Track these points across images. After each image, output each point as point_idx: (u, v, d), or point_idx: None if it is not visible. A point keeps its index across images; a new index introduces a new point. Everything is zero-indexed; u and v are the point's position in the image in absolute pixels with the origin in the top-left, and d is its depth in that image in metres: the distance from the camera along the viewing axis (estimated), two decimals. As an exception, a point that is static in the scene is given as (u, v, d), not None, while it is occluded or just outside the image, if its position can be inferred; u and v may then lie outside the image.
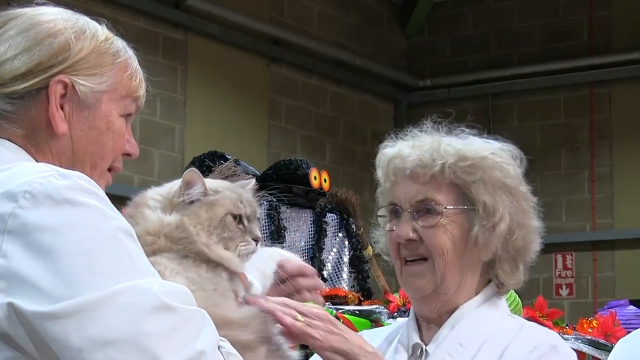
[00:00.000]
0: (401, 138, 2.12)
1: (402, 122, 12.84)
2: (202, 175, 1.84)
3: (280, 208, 4.02)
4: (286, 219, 4.03)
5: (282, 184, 4.14)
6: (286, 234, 4.00)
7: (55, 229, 1.56)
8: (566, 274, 11.59)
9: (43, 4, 1.85)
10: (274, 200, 4.02)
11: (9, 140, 1.74)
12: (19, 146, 1.75)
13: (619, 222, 11.85)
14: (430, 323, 2.09)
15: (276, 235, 3.92)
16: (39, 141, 1.76)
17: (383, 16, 13.08)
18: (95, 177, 1.75)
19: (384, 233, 2.15)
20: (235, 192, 1.93)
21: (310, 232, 4.13)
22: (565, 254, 11.40)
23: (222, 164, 4.01)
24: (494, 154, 2.04)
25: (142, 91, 1.86)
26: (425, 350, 2.05)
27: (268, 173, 4.27)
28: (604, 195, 11.87)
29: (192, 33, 9.92)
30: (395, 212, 2.06)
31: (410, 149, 2.03)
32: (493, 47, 12.64)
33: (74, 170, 1.70)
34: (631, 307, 5.97)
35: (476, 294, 2.06)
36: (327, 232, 4.14)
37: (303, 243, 4.10)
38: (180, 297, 1.57)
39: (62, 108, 1.74)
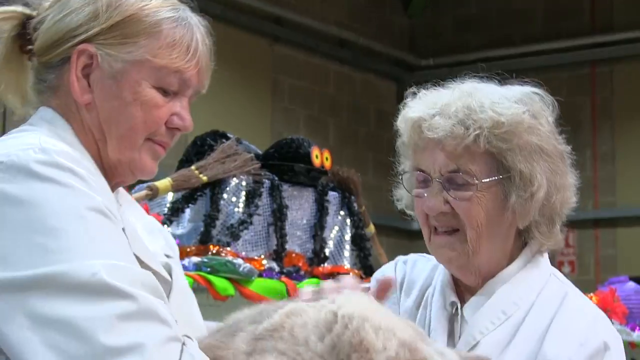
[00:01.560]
0: (424, 93, 2.03)
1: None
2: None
3: (282, 186, 4.01)
4: (288, 197, 4.02)
5: (284, 163, 4.15)
6: (288, 212, 3.98)
7: (20, 203, 1.55)
8: (568, 251, 11.57)
9: None
10: (276, 178, 4.02)
11: (51, 108, 1.76)
12: (59, 114, 1.76)
13: (621, 200, 11.85)
14: (466, 288, 2.02)
15: (278, 214, 3.93)
16: (72, 110, 1.76)
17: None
18: (131, 150, 1.77)
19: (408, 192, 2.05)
20: None
21: (312, 211, 4.12)
22: (568, 232, 11.34)
23: (223, 142, 4.04)
24: (529, 112, 1.94)
25: (188, 65, 1.78)
26: (461, 312, 2.00)
27: (270, 152, 4.24)
28: (605, 174, 11.86)
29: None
30: (424, 179, 1.97)
31: (439, 115, 1.92)
32: (495, 27, 12.57)
33: (99, 136, 1.74)
34: (631, 283, 5.99)
35: (511, 258, 1.99)
36: (329, 211, 4.13)
37: (305, 221, 4.09)
38: (131, 282, 1.53)
39: (88, 77, 1.73)
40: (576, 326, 1.91)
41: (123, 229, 1.72)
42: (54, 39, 1.74)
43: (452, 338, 1.99)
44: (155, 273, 1.74)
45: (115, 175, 1.79)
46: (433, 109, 1.94)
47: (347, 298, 1.66)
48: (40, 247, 1.52)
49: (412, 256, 2.16)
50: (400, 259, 2.18)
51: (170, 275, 1.83)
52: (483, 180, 1.91)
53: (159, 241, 1.96)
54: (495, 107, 1.89)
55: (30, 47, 1.75)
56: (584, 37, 12.10)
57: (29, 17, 1.78)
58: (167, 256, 1.93)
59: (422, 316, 2.04)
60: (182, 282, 1.91)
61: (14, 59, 1.79)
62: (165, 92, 1.76)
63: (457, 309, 1.99)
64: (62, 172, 1.58)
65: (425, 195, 1.95)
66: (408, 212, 2.04)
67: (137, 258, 1.71)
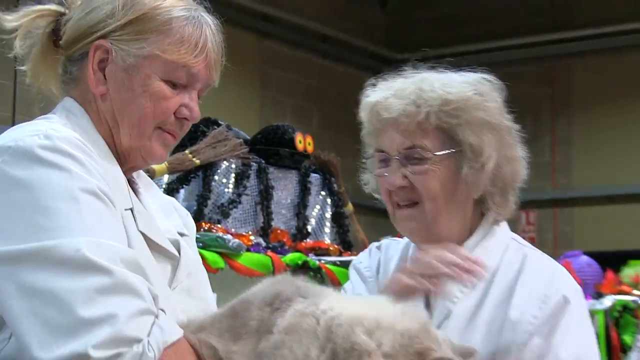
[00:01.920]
0: (381, 82, 2.03)
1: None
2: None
3: (268, 169, 4.03)
4: (274, 179, 4.04)
5: (270, 147, 4.15)
6: (273, 193, 4.01)
7: (21, 185, 1.57)
8: (529, 229, 11.57)
9: None
10: (263, 162, 4.03)
11: (72, 98, 1.79)
12: (79, 104, 1.78)
13: (578, 182, 11.90)
14: None
15: (264, 194, 3.95)
16: (90, 101, 1.78)
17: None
18: (142, 137, 1.78)
19: (373, 174, 2.07)
20: None
21: (295, 191, 4.14)
22: (529, 211, 11.41)
23: (215, 129, 4.05)
24: (477, 92, 1.95)
25: (196, 60, 1.78)
26: None
27: (257, 137, 4.26)
28: (563, 158, 11.90)
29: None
30: (384, 158, 1.98)
31: (393, 97, 1.94)
32: (466, 24, 12.55)
33: (112, 124, 1.77)
34: (584, 256, 6.01)
35: (471, 229, 1.99)
36: (311, 191, 4.15)
37: (289, 200, 4.11)
38: (112, 258, 1.53)
39: (104, 70, 1.75)
40: (536, 285, 1.92)
41: (131, 209, 1.75)
42: (76, 34, 1.77)
43: (429, 309, 1.97)
44: (161, 249, 1.77)
45: (128, 160, 1.80)
46: (388, 92, 1.94)
47: (340, 304, 1.64)
48: (33, 224, 1.54)
49: (384, 241, 2.18)
50: (373, 245, 2.21)
51: (179, 251, 1.82)
52: (436, 154, 1.92)
53: (175, 220, 1.96)
54: (444, 87, 1.91)
55: (61, 42, 1.78)
56: (545, 34, 12.11)
57: (61, 14, 1.79)
58: (181, 234, 1.91)
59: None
60: (192, 257, 1.90)
61: (49, 53, 1.82)
62: (174, 85, 1.77)
63: None
64: (62, 157, 1.59)
65: (386, 174, 1.96)
66: (375, 195, 2.05)
67: (144, 235, 1.75)
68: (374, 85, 2.02)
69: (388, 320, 1.58)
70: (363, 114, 2.03)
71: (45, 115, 1.78)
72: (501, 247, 1.99)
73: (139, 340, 1.47)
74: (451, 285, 1.94)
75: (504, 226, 2.03)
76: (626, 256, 6.49)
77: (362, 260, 2.19)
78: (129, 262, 1.55)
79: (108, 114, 1.77)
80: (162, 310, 1.58)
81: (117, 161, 1.78)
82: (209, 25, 1.82)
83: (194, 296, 1.82)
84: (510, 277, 1.94)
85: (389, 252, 2.13)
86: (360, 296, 1.91)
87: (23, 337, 1.52)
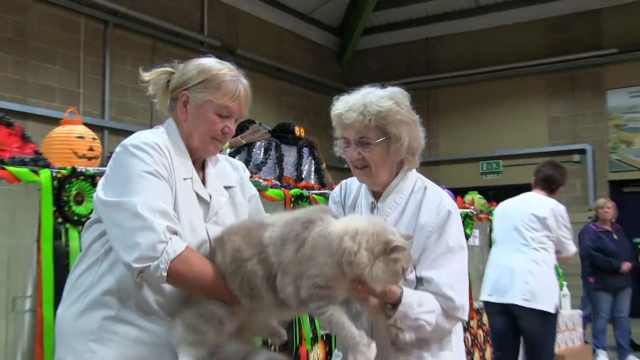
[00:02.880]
0: (343, 96, 1.96)
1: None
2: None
3: (281, 146, 4.03)
4: (284, 150, 4.05)
5: (282, 134, 4.13)
6: (284, 159, 4.02)
7: (118, 164, 1.63)
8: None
9: (206, 55, 1.86)
10: (278, 141, 4.04)
11: (172, 119, 1.80)
12: (174, 123, 1.79)
13: (441, 153, 11.90)
14: (376, 193, 1.96)
15: (279, 159, 3.97)
16: (179, 122, 1.78)
17: (327, 53, 12.82)
18: (204, 143, 1.77)
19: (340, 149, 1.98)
20: None
21: (295, 157, 4.11)
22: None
23: (253, 124, 4.05)
24: (395, 102, 1.87)
25: (233, 103, 1.76)
26: (377, 206, 1.94)
27: (275, 129, 4.26)
28: (434, 141, 11.89)
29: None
30: (346, 142, 1.91)
31: (350, 110, 1.86)
32: (392, 70, 12.20)
33: (189, 133, 1.76)
34: (446, 190, 6.00)
35: (396, 174, 1.93)
36: (304, 157, 4.14)
37: (292, 162, 4.09)
38: (149, 211, 1.55)
39: (186, 105, 1.75)
40: (432, 204, 1.87)
41: (191, 179, 1.73)
42: (174, 86, 1.78)
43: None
44: (202, 199, 1.76)
45: (196, 154, 1.78)
46: (347, 106, 1.89)
47: (334, 223, 1.60)
48: (120, 187, 1.59)
49: (349, 179, 2.10)
50: (343, 181, 2.14)
51: (211, 197, 1.79)
52: (376, 141, 1.86)
53: (227, 178, 1.89)
54: (377, 102, 1.85)
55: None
56: (422, 75, 11.99)
57: (172, 73, 1.81)
58: (227, 187, 1.87)
59: (358, 211, 1.99)
60: (221, 201, 1.83)
61: (165, 93, 1.82)
62: (220, 116, 1.75)
63: (374, 205, 1.95)
64: (141, 151, 1.63)
65: (347, 151, 1.92)
66: (342, 158, 1.97)
67: (195, 192, 1.74)
68: (337, 99, 1.95)
69: (363, 227, 1.57)
70: (333, 118, 1.95)
71: (157, 126, 1.82)
72: (412, 182, 1.94)
73: (155, 257, 1.52)
74: (385, 202, 1.92)
75: (414, 172, 1.97)
76: (467, 190, 6.52)
77: (335, 192, 2.14)
78: (162, 212, 1.56)
79: (187, 130, 1.76)
80: (177, 234, 1.58)
81: (190, 154, 1.77)
82: (243, 83, 1.81)
83: (219, 225, 1.78)
84: (418, 199, 1.89)
85: (351, 186, 2.08)
86: (344, 216, 1.85)
87: (114, 248, 1.59)
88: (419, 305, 1.71)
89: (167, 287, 1.63)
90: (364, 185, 2.02)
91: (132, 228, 1.53)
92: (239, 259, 1.60)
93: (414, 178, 1.97)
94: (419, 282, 1.79)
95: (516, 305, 3.92)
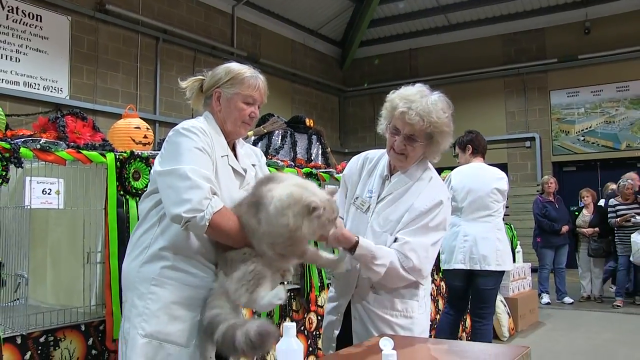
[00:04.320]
0: (402, 90, 1.77)
1: (345, 104, 12.75)
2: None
3: (294, 134, 3.97)
4: (297, 138, 3.98)
5: (295, 124, 4.09)
6: (297, 144, 3.96)
7: (171, 143, 1.59)
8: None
9: (229, 60, 1.81)
10: (293, 130, 3.98)
11: (208, 111, 1.76)
12: (211, 114, 1.74)
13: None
14: (393, 169, 1.84)
15: (293, 144, 3.92)
16: (214, 113, 1.73)
17: (331, 61, 12.66)
18: (236, 127, 1.71)
19: (386, 133, 1.83)
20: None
21: (306, 143, 4.05)
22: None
23: (272, 117, 3.97)
24: (449, 116, 1.73)
25: (255, 92, 1.72)
26: (390, 179, 1.83)
27: (290, 120, 4.18)
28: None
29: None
30: (396, 132, 1.77)
31: (414, 113, 1.70)
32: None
33: (223, 121, 1.70)
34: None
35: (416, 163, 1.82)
36: (312, 142, 4.07)
37: (304, 147, 4.03)
38: (198, 175, 1.49)
39: (218, 100, 1.71)
40: (430, 193, 1.78)
41: (227, 156, 1.68)
42: (207, 86, 1.74)
43: (382, 191, 1.85)
44: (237, 172, 1.71)
45: (229, 137, 1.74)
46: (409, 105, 1.73)
47: (275, 191, 1.48)
48: (173, 158, 1.55)
49: (370, 153, 1.95)
50: (364, 153, 1.98)
51: (246, 172, 1.75)
52: (422, 142, 1.76)
53: (252, 158, 1.86)
54: (438, 114, 1.72)
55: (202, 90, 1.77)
56: (407, 79, 11.87)
57: (203, 79, 1.77)
58: (253, 165, 1.83)
59: (371, 179, 1.89)
60: (253, 175, 1.79)
61: (198, 95, 1.78)
62: (247, 103, 1.72)
63: (387, 177, 1.85)
64: (190, 132, 1.59)
65: (394, 139, 1.78)
66: (384, 135, 1.83)
67: (231, 167, 1.68)
68: (395, 92, 1.78)
69: (293, 196, 1.44)
70: (390, 108, 1.77)
71: (197, 117, 1.76)
72: (422, 170, 1.83)
73: (202, 210, 1.48)
74: (397, 180, 1.82)
75: (427, 162, 1.86)
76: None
77: (354, 161, 1.98)
78: (206, 177, 1.53)
79: (222, 118, 1.72)
80: (216, 195, 1.52)
81: (225, 137, 1.74)
82: (260, 78, 1.77)
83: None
84: (421, 186, 1.80)
85: (371, 158, 1.94)
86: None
87: (166, 207, 1.54)
88: (372, 256, 1.64)
89: (207, 242, 1.61)
90: (384, 160, 1.90)
91: (183, 187, 1.49)
92: (247, 224, 1.54)
93: (424, 167, 1.86)
94: (395, 240, 1.71)
95: (486, 269, 3.49)
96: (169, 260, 1.59)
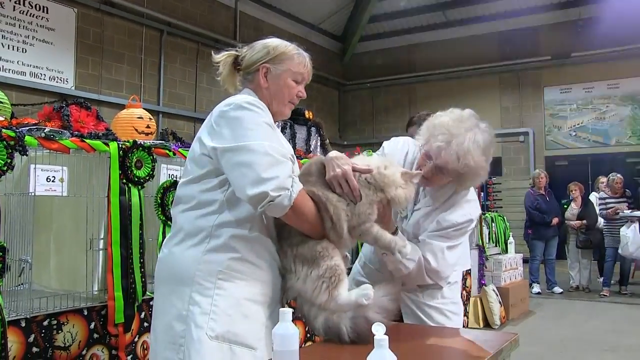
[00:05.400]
0: (445, 117, 1.64)
1: (345, 97, 12.72)
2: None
3: (294, 126, 3.98)
4: (296, 129, 4.00)
5: (295, 116, 4.10)
6: (296, 136, 3.98)
7: (231, 118, 1.40)
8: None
9: (268, 37, 1.65)
10: (292, 122, 3.99)
11: (249, 89, 1.58)
12: (253, 91, 1.57)
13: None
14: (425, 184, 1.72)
15: (293, 135, 3.92)
16: (259, 90, 1.56)
17: (332, 55, 12.58)
18: (282, 106, 1.58)
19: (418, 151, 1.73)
20: None
21: (305, 135, 4.08)
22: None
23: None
24: (486, 159, 1.60)
25: (304, 70, 1.59)
26: (425, 189, 1.74)
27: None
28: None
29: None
30: (428, 158, 1.65)
31: (450, 148, 1.58)
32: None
33: (270, 100, 1.55)
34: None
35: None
36: (312, 134, 4.09)
37: (303, 139, 4.06)
38: (278, 152, 1.37)
39: (266, 77, 1.56)
40: (464, 209, 1.68)
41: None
42: (250, 62, 1.57)
43: (417, 199, 1.75)
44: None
45: (275, 116, 1.56)
46: (448, 139, 1.60)
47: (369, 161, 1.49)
48: (241, 136, 1.38)
49: (409, 142, 1.82)
50: (406, 140, 1.84)
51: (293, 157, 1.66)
52: (450, 178, 1.64)
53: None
54: (475, 157, 1.59)
55: (238, 67, 1.60)
56: (404, 74, 11.71)
57: (237, 55, 1.62)
58: None
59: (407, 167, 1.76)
60: None
61: (232, 73, 1.62)
62: (296, 81, 1.58)
63: (423, 188, 1.74)
64: (254, 106, 1.43)
65: (424, 163, 1.66)
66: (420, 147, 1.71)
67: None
68: (438, 119, 1.66)
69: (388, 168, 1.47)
70: (429, 135, 1.66)
71: (237, 95, 1.61)
72: (449, 191, 1.72)
73: (288, 189, 1.35)
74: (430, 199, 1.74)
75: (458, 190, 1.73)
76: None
77: (400, 143, 1.83)
78: (283, 154, 1.38)
79: (267, 97, 1.55)
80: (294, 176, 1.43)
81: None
82: (306, 56, 1.63)
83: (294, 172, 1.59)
84: (456, 200, 1.70)
85: (411, 148, 1.81)
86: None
87: (239, 187, 1.36)
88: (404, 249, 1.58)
89: (275, 234, 1.47)
90: (416, 161, 1.76)
91: (265, 164, 1.34)
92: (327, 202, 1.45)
93: (465, 193, 1.72)
94: (420, 242, 1.67)
95: None
96: (237, 252, 1.41)
